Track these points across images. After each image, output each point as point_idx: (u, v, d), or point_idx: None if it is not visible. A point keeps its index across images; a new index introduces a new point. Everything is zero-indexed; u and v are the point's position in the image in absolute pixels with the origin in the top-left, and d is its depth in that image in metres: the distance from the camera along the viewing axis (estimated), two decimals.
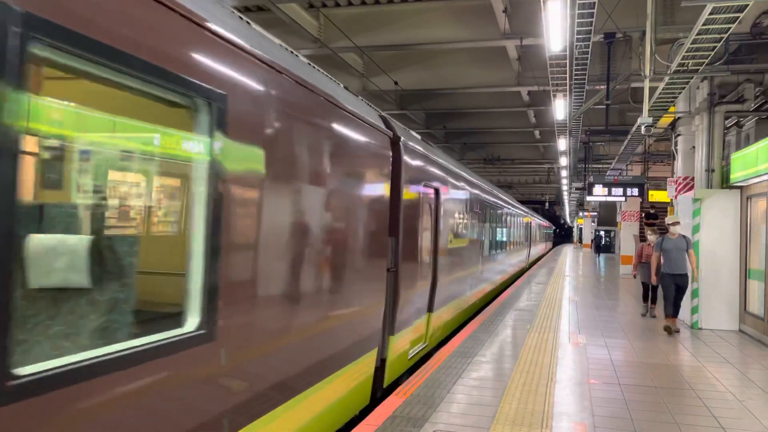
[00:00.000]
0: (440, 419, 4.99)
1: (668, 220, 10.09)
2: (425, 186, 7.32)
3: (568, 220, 74.50)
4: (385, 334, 5.95)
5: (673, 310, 9.76)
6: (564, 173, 25.57)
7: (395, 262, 6.11)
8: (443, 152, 9.96)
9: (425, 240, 7.36)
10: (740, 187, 10.32)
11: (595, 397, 5.82)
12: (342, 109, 4.56)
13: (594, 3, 7.20)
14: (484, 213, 12.66)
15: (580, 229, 60.58)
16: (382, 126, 5.77)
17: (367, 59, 15.32)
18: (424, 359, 8.36)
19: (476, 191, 11.42)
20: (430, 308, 7.80)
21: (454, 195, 9.21)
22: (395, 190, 6.12)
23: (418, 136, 8.38)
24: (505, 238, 17.27)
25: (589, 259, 36.70)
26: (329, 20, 12.41)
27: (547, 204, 62.43)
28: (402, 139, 6.25)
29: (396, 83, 15.51)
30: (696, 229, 10.57)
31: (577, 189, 30.79)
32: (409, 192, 6.48)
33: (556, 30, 7.63)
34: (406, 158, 6.31)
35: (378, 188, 5.47)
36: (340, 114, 4.50)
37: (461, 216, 9.84)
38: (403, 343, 6.52)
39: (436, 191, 7.97)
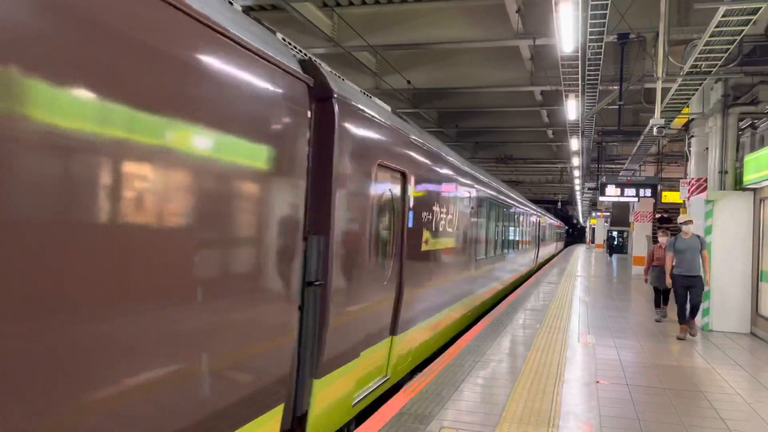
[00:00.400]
0: (447, 416, 5.05)
1: (680, 218, 9.95)
2: (384, 166, 5.43)
3: (580, 219, 74.20)
4: (302, 378, 4.15)
5: (690, 314, 9.43)
6: (576, 173, 25.49)
7: (323, 272, 4.19)
8: (427, 133, 8.09)
9: (384, 240, 5.56)
10: (753, 189, 10.28)
11: (602, 398, 5.85)
12: (201, 23, 2.84)
13: (607, 4, 7.21)
14: (480, 209, 10.69)
15: (593, 229, 60.34)
16: (295, 68, 3.78)
17: (381, 58, 15.38)
18: (388, 395, 6.64)
19: (468, 181, 9.49)
20: (393, 330, 5.92)
21: (435, 183, 7.29)
22: (322, 167, 4.21)
23: (388, 108, 6.45)
24: (507, 238, 15.10)
25: (602, 259, 36.55)
26: (343, 19, 12.48)
27: (559, 203, 62.21)
28: (336, 93, 4.32)
29: (409, 82, 15.55)
30: (708, 230, 10.53)
31: (589, 189, 30.70)
32: (350, 173, 4.55)
33: (567, 32, 7.64)
34: (344, 123, 4.44)
35: (279, 164, 3.54)
36: (194, 33, 2.78)
37: (445, 210, 7.85)
38: (340, 386, 4.68)
39: (404, 176, 6.01)
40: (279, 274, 3.62)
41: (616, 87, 12.36)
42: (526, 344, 8.28)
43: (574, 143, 17.15)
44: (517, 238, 17.51)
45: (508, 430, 4.79)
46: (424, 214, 6.81)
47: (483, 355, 7.46)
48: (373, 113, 5.18)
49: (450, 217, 8.16)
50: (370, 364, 5.36)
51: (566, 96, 11.32)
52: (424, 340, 7.24)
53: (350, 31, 12.46)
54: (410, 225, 6.20)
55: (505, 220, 14.64)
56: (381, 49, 13.53)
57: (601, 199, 20.30)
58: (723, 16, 6.72)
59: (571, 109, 12.32)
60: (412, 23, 12.62)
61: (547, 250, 32.53)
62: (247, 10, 12.15)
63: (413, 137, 6.45)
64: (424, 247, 6.79)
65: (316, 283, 4.15)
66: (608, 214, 45.51)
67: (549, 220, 34.50)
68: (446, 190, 7.92)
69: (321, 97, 4.24)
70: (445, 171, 7.85)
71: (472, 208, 9.81)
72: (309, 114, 3.95)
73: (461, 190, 8.98)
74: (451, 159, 8.41)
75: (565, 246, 67.63)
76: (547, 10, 10.89)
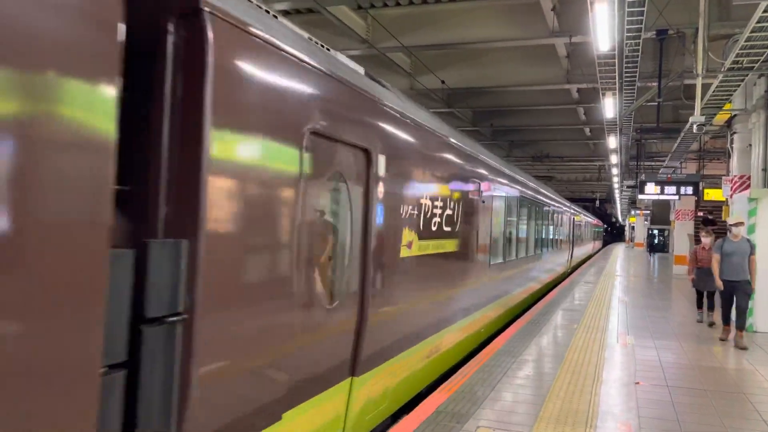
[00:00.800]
0: (484, 416, 5.10)
1: (731, 220, 9.53)
2: (326, 138, 3.80)
3: (619, 218, 72.93)
4: None
5: (737, 322, 8.91)
6: (615, 171, 25.10)
7: (187, 299, 2.64)
8: (413, 102, 6.26)
9: (329, 245, 4.00)
10: None
11: (641, 399, 5.81)
12: None
13: (644, 1, 7.13)
14: (496, 203, 8.92)
15: (632, 227, 59.23)
16: None
17: (415, 59, 15.44)
18: None
19: (478, 169, 7.69)
20: (353, 369, 4.36)
21: (426, 169, 5.62)
22: (182, 133, 2.66)
23: (360, 69, 4.77)
24: (532, 238, 13.09)
25: (641, 258, 35.89)
26: (377, 21, 12.59)
27: (597, 201, 61.28)
28: (209, 6, 2.72)
29: (443, 82, 15.58)
30: (751, 229, 10.29)
31: (628, 187, 30.15)
32: (249, 143, 2.99)
33: (603, 30, 7.59)
34: (229, 59, 2.83)
35: (55, 131, 1.84)
36: None
37: (441, 205, 6.12)
38: None
39: (367, 154, 4.38)
40: (96, 306, 2.05)
41: (654, 83, 12.16)
42: (564, 344, 8.24)
43: (612, 141, 16.93)
44: (544, 237, 15.31)
45: (545, 430, 4.81)
46: (406, 209, 5.15)
47: (519, 356, 7.46)
48: (299, 55, 3.47)
49: (449, 212, 6.43)
50: (305, 424, 3.72)
51: (603, 94, 11.21)
52: (410, 373, 5.63)
53: (384, 33, 12.56)
54: (379, 223, 4.61)
55: (530, 217, 12.68)
56: (415, 50, 13.60)
57: (640, 197, 19.94)
58: (764, 11, 6.59)
59: (609, 106, 12.18)
60: (445, 23, 12.65)
61: (582, 251, 31.09)
62: (284, 13, 12.36)
63: (389, 104, 4.78)
64: (405, 253, 5.17)
65: (172, 318, 2.57)
66: (648, 212, 44.66)
67: (585, 218, 33.64)
68: (443, 178, 6.20)
69: (181, 10, 2.67)
70: (440, 154, 6.11)
71: (483, 201, 8.02)
72: (116, 28, 2.08)
73: (467, 180, 7.18)
74: (451, 139, 6.62)
75: (604, 245, 66.39)
76: (583, 8, 10.79)
